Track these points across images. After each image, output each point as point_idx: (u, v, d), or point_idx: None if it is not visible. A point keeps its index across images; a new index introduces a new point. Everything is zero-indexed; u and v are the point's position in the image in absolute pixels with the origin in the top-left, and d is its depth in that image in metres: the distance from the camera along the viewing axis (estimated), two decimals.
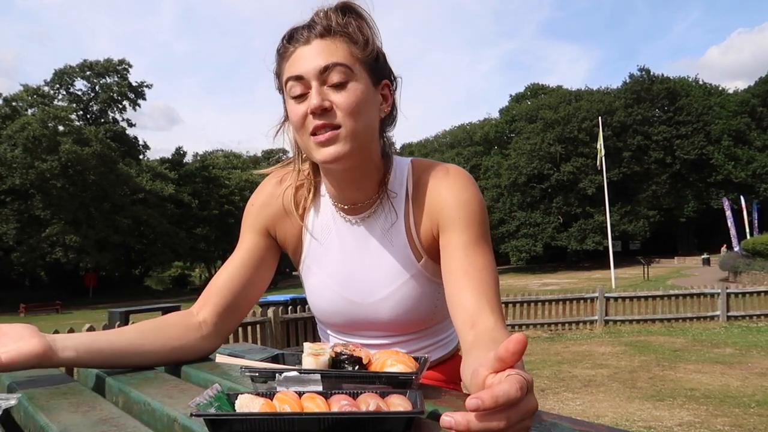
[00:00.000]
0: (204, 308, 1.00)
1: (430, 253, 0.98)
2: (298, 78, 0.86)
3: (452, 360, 1.13)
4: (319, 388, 0.65)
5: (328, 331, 1.12)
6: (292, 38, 0.88)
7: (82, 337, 0.87)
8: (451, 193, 0.94)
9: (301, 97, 0.87)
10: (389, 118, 0.97)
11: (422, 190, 0.97)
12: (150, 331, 0.94)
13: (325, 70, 0.85)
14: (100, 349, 0.87)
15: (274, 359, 0.79)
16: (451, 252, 0.91)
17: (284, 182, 1.02)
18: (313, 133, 0.87)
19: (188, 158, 50.16)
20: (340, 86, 0.85)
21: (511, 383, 0.48)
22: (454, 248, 0.91)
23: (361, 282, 1.00)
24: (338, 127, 0.86)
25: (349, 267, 1.01)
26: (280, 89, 0.93)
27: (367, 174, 0.96)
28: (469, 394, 0.73)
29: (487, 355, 0.54)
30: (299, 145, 0.93)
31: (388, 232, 0.98)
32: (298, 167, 1.00)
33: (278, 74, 0.92)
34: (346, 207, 0.99)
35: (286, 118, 0.95)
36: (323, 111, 0.84)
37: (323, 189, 1.02)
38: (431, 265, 0.99)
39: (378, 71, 0.91)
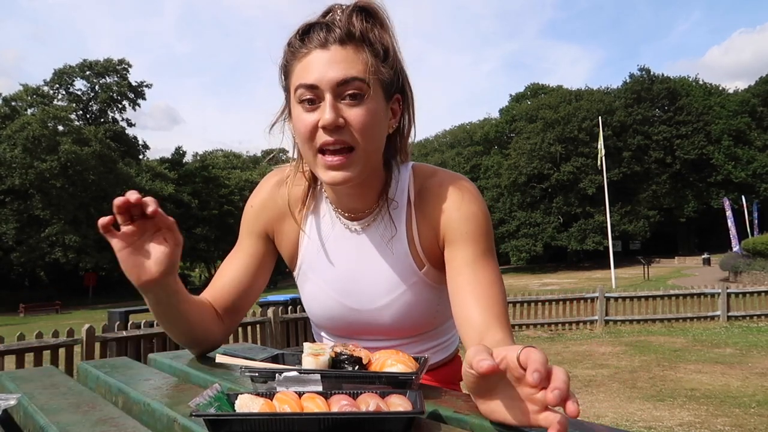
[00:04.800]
0: None
1: (432, 261, 0.96)
2: (312, 87, 0.81)
3: (452, 362, 1.13)
4: (319, 388, 0.65)
5: (323, 334, 1.10)
6: (307, 35, 0.83)
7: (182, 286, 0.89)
8: (456, 206, 0.91)
9: (311, 105, 0.82)
10: (397, 133, 0.93)
11: (426, 199, 0.94)
12: (203, 311, 0.96)
13: (342, 83, 0.80)
14: (186, 300, 0.90)
15: (274, 359, 0.79)
16: (457, 268, 0.89)
17: (284, 183, 1.00)
18: (322, 151, 0.83)
19: (188, 158, 50.19)
20: (355, 102, 0.81)
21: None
22: (461, 264, 0.89)
23: (361, 289, 0.98)
24: (351, 148, 0.82)
25: (347, 275, 0.98)
26: (285, 87, 0.88)
27: (369, 185, 0.93)
28: (469, 395, 0.73)
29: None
30: (302, 154, 0.89)
31: (389, 241, 0.95)
32: (301, 168, 0.97)
33: (286, 71, 0.86)
34: (345, 213, 0.97)
35: (285, 113, 0.91)
36: (336, 127, 0.81)
37: (324, 193, 0.99)
38: (433, 273, 0.97)
39: (392, 86, 0.87)
